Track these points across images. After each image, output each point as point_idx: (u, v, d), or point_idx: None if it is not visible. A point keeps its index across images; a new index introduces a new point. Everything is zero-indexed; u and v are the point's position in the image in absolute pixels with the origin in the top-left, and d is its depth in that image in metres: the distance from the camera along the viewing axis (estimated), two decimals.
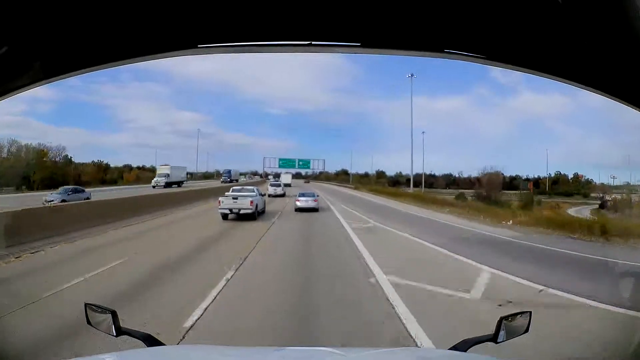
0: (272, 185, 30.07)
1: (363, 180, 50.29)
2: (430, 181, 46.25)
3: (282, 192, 28.71)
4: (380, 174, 52.66)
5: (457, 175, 47.69)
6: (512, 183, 39.14)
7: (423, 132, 46.63)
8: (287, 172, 42.03)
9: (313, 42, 1.31)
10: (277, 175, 41.84)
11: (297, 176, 47.30)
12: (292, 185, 37.35)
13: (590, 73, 1.37)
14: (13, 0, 1.16)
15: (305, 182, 47.79)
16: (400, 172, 50.56)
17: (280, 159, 42.49)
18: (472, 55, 1.41)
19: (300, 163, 46.38)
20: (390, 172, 51.35)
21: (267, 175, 45.81)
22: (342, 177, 54.87)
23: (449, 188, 44.28)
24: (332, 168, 53.45)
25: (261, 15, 1.24)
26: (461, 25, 1.31)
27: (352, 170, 54.02)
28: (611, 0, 1.13)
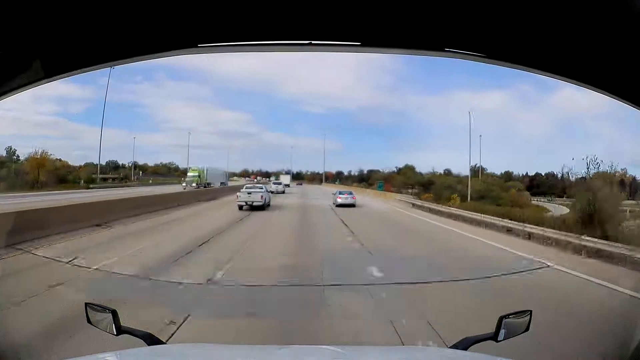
0: (274, 183, 36.30)
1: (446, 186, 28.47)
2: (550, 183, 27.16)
3: (282, 189, 34.32)
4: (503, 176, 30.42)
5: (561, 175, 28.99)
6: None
7: None
8: (286, 174, 43.24)
9: (313, 42, 1.31)
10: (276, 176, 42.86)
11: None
12: (290, 185, 40.09)
13: (592, 72, 1.36)
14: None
15: (297, 184, 42.48)
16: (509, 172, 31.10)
17: None
18: (473, 54, 1.41)
19: None
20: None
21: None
22: (399, 179, 36.31)
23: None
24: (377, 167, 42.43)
25: (260, 15, 1.23)
26: (461, 24, 1.30)
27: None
28: None
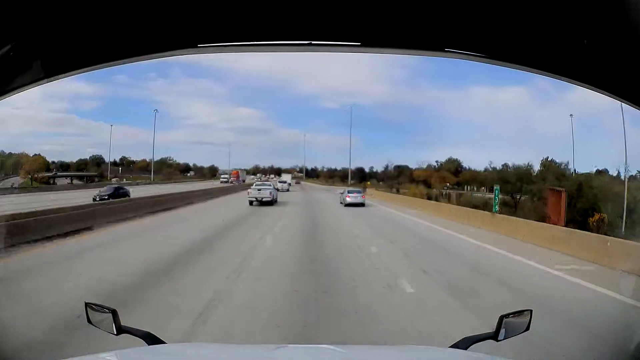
0: (280, 182, 38.30)
1: None
2: None
3: (287, 188, 36.12)
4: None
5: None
6: None
7: None
8: (287, 173, 43.46)
9: (312, 42, 1.31)
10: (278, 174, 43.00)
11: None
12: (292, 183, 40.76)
13: (593, 72, 1.36)
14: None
15: (296, 182, 41.68)
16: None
17: None
18: (474, 54, 1.41)
19: None
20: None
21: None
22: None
23: None
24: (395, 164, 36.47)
25: (260, 15, 1.23)
26: (462, 24, 1.30)
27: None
28: None
